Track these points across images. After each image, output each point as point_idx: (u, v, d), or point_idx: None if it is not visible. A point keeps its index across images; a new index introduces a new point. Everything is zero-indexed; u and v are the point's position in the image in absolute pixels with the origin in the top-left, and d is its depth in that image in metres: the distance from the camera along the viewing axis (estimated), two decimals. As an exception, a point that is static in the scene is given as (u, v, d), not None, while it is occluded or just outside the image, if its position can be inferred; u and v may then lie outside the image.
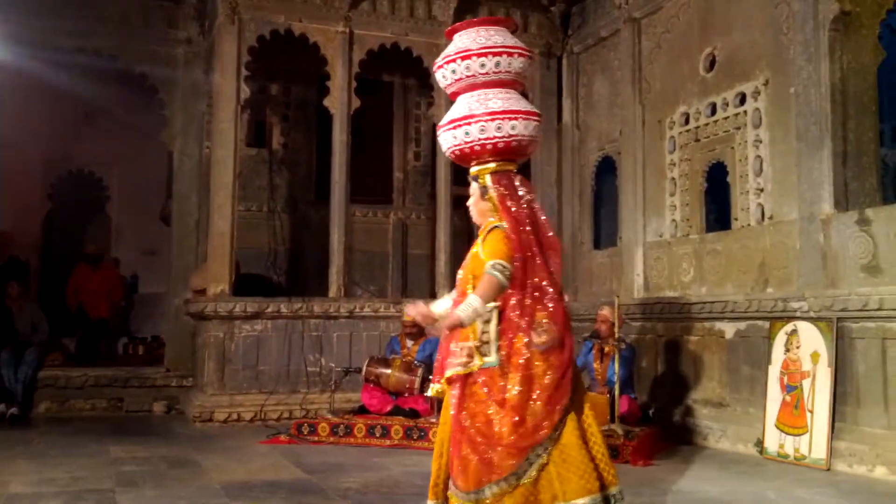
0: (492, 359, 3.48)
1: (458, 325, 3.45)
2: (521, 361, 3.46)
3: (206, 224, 8.72)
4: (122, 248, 12.38)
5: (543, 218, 3.69)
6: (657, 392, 7.67)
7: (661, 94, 8.09)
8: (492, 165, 3.71)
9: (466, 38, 3.75)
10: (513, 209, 3.60)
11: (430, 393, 3.77)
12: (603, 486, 3.40)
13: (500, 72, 3.71)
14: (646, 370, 7.80)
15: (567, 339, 3.53)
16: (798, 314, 6.25)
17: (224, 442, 6.92)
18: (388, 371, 7.37)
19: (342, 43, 8.74)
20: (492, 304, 3.48)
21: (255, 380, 8.13)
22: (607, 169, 8.96)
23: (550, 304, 3.53)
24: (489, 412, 3.43)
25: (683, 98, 7.76)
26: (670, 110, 7.92)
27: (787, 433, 6.16)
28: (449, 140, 3.77)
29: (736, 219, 7.10)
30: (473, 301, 3.45)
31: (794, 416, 6.14)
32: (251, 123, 10.13)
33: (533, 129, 3.73)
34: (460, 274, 3.78)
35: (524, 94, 3.81)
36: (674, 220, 7.81)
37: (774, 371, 6.37)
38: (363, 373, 7.44)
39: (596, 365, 7.30)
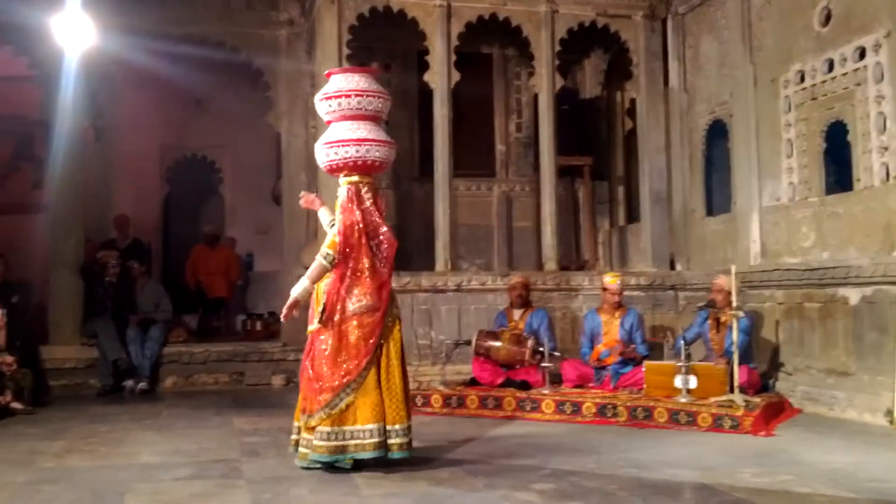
0: (320, 318, 4.84)
1: (296, 303, 4.90)
2: (336, 322, 4.80)
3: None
4: (236, 227, 12.76)
5: (380, 220, 4.99)
6: (777, 361, 7.43)
7: (773, 52, 7.75)
8: (352, 178, 4.97)
9: (341, 81, 5.04)
10: (352, 212, 4.90)
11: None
12: (384, 421, 4.77)
13: (362, 108, 4.98)
14: (765, 339, 7.55)
15: (380, 307, 4.84)
16: (929, 278, 5.92)
17: (340, 414, 7.07)
18: (498, 344, 7.40)
19: (440, 16, 8.72)
20: (327, 280, 4.88)
21: (367, 353, 8.26)
22: (718, 132, 8.66)
23: (367, 283, 4.85)
24: (318, 359, 4.82)
25: (797, 55, 7.41)
26: (784, 69, 7.59)
27: (920, 402, 5.86)
28: (323, 156, 5.01)
29: (858, 179, 6.76)
30: (303, 281, 4.92)
31: (927, 385, 5.84)
32: (354, 102, 10.21)
33: (384, 153, 5.00)
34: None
35: (381, 126, 5.16)
36: (791, 184, 7.50)
37: (904, 338, 6.07)
38: (473, 346, 7.49)
39: (712, 335, 7.14)
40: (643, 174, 9.28)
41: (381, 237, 4.97)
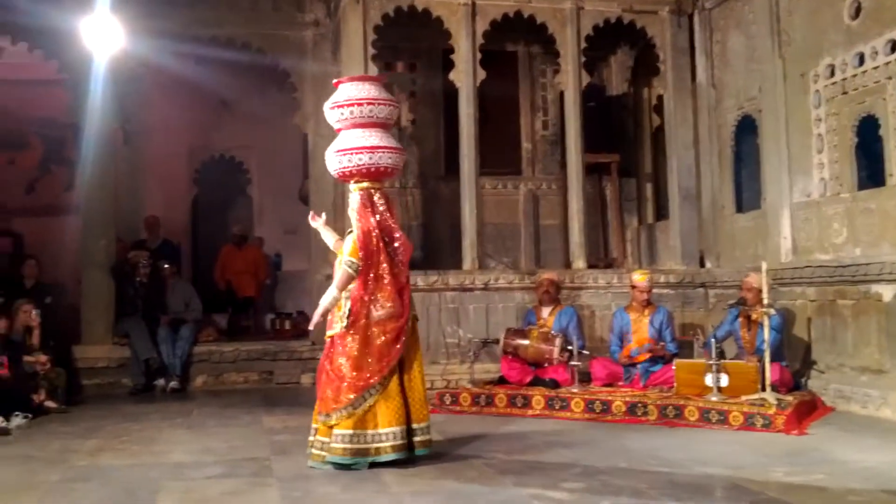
0: (344, 324, 4.93)
1: (326, 311, 4.98)
2: (361, 326, 4.91)
3: (342, 202, 8.93)
4: (264, 227, 12.85)
5: (395, 225, 5.14)
6: (810, 359, 7.34)
7: (802, 46, 7.66)
8: (363, 184, 5.10)
9: (351, 89, 5.13)
10: (367, 219, 5.02)
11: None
12: (409, 421, 4.94)
13: (380, 116, 5.11)
14: (797, 337, 7.46)
15: (404, 313, 5.00)
16: (965, 273, 5.82)
17: (369, 413, 7.10)
18: (526, 342, 7.38)
19: (465, 15, 8.71)
20: (350, 286, 4.97)
21: (395, 352, 8.27)
22: (747, 128, 8.58)
23: (389, 289, 4.98)
24: (340, 360, 4.91)
25: (827, 49, 7.32)
26: (813, 63, 7.49)
27: (956, 400, 5.77)
28: (336, 163, 5.13)
29: (891, 174, 6.65)
30: (331, 290, 4.98)
31: (963, 382, 5.74)
32: (379, 102, 10.24)
33: (395, 160, 5.14)
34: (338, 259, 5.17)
35: (391, 133, 5.32)
36: (822, 179, 7.41)
37: (940, 334, 5.97)
38: (501, 344, 7.48)
39: (743, 333, 7.07)
40: (671, 171, 9.21)
41: (397, 242, 5.10)
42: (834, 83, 7.25)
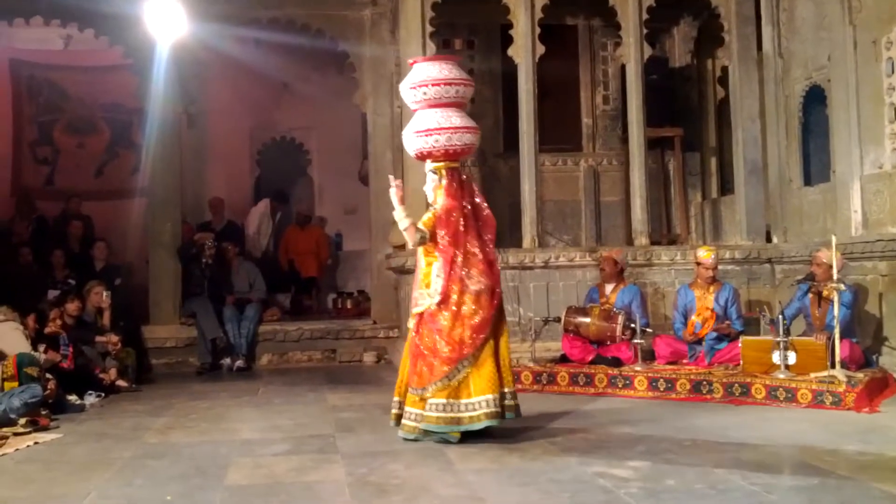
0: (436, 300, 5.06)
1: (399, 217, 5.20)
2: (452, 302, 5.05)
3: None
4: (324, 208, 12.97)
5: (480, 201, 5.30)
6: (881, 335, 7.13)
7: (874, 11, 7.37)
8: (443, 164, 5.22)
9: (429, 69, 5.23)
10: (456, 198, 5.15)
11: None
12: (502, 388, 5.10)
13: (457, 96, 5.23)
14: (868, 313, 7.25)
15: (497, 290, 5.20)
16: None
17: (431, 390, 7.14)
18: (588, 320, 7.31)
19: (524, -11, 8.62)
20: (437, 264, 5.12)
21: (456, 330, 8.29)
22: (816, 98, 8.31)
23: (481, 264, 5.14)
24: (434, 336, 5.05)
25: (902, 14, 7.05)
26: (886, 29, 7.22)
27: None
28: (418, 144, 5.22)
29: (969, 144, 6.41)
30: (403, 220, 5.18)
31: None
32: (438, 79, 10.22)
33: (476, 139, 5.30)
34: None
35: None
36: (895, 150, 7.15)
37: None
38: (562, 322, 7.43)
39: (813, 310, 6.88)
40: (737, 144, 8.99)
41: (485, 217, 5.28)
42: (908, 49, 6.99)
